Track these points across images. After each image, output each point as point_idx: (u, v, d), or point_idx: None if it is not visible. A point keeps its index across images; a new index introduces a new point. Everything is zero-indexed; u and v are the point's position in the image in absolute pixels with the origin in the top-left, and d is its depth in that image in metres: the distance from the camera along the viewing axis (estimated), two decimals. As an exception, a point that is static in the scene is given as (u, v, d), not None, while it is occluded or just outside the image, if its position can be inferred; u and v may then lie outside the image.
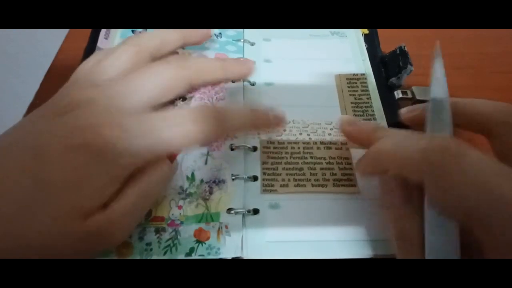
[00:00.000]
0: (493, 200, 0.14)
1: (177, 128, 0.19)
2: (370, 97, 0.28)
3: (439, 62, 0.22)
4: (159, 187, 0.20)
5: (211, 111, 0.20)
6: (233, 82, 0.29)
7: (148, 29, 0.32)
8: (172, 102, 0.27)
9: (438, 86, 0.21)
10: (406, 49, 0.29)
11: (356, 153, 0.25)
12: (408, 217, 0.18)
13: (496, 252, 0.15)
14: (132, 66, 0.21)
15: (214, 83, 0.26)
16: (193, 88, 0.23)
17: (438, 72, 0.21)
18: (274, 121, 0.23)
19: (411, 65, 0.28)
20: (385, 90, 0.29)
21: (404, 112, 0.23)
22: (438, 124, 0.19)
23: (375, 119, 0.27)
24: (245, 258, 0.21)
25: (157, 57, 0.23)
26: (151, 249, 0.21)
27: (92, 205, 0.17)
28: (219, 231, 0.21)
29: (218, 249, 0.21)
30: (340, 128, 0.23)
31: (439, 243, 0.16)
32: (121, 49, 0.21)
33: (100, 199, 0.17)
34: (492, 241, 0.15)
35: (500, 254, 0.14)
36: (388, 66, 0.30)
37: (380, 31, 0.33)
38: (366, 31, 0.33)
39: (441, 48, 0.23)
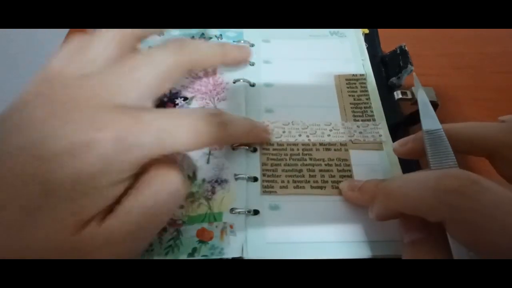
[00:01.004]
0: None
1: (185, 127, 0.18)
2: (369, 98, 0.28)
3: (421, 91, 0.22)
4: (167, 206, 0.18)
5: (217, 115, 0.19)
6: (234, 82, 0.29)
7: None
8: (173, 102, 0.27)
9: (427, 117, 0.20)
10: (406, 48, 0.29)
11: (355, 155, 0.25)
12: (429, 253, 0.17)
13: None
14: (118, 50, 0.19)
15: (212, 68, 0.26)
16: (191, 73, 0.23)
17: (423, 101, 0.21)
18: (265, 134, 0.24)
19: (412, 64, 0.28)
20: (385, 90, 0.29)
21: (397, 146, 0.22)
22: (439, 157, 0.19)
23: (374, 119, 0.27)
24: (245, 258, 0.21)
25: (145, 37, 0.21)
26: (152, 250, 0.21)
27: (94, 211, 0.16)
28: (222, 231, 0.21)
29: (222, 249, 0.21)
30: (344, 196, 0.23)
31: None
32: (103, 33, 0.19)
33: (104, 203, 0.16)
34: None
35: None
36: (388, 66, 0.30)
37: (380, 31, 0.33)
38: (366, 30, 0.33)
39: (418, 78, 0.23)
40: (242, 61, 0.25)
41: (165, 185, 0.17)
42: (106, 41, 0.19)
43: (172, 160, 0.19)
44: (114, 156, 0.16)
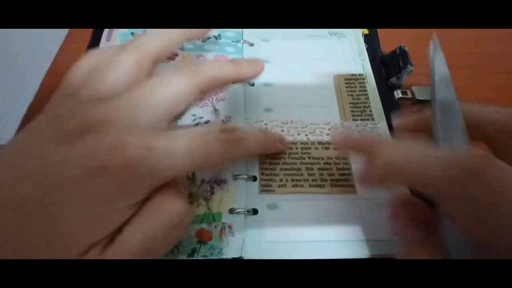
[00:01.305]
0: None
1: (195, 148, 0.18)
2: (368, 98, 0.28)
3: (440, 56, 0.20)
4: (168, 239, 0.18)
5: (229, 132, 0.20)
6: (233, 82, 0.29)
7: (147, 30, 0.32)
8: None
9: (443, 85, 0.18)
10: (406, 49, 0.29)
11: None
12: (429, 254, 0.17)
13: None
14: (136, 76, 0.20)
15: (225, 86, 0.26)
16: (205, 94, 0.23)
17: (441, 67, 0.19)
18: (280, 145, 0.24)
19: (411, 65, 0.28)
20: (385, 90, 0.29)
21: (397, 122, 0.22)
22: (451, 132, 0.17)
23: (373, 119, 0.27)
24: (244, 258, 0.21)
25: (160, 61, 0.22)
26: None
27: (99, 237, 0.16)
28: (221, 231, 0.21)
29: (221, 249, 0.21)
30: (337, 141, 0.23)
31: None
32: (121, 57, 0.20)
33: (110, 228, 0.16)
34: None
35: None
36: (388, 66, 0.30)
37: (380, 31, 0.33)
38: (366, 31, 0.33)
39: (439, 41, 0.21)
40: (255, 76, 0.25)
41: (167, 216, 0.17)
42: (125, 66, 0.20)
43: (179, 186, 0.19)
44: (127, 182, 0.16)
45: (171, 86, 0.19)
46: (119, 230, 0.16)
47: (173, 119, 0.25)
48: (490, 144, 0.19)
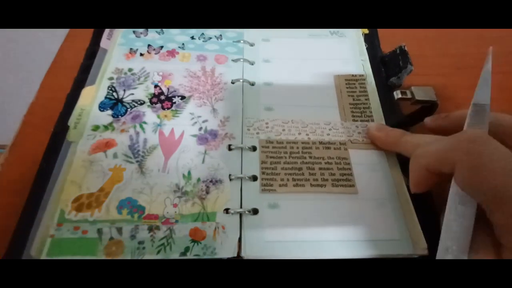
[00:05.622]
0: None
1: None
2: (368, 98, 0.28)
3: (488, 66, 0.23)
4: None
5: None
6: (232, 83, 0.29)
7: (148, 29, 0.32)
8: (171, 101, 0.27)
9: (481, 90, 0.22)
10: (406, 48, 0.29)
11: (355, 153, 0.25)
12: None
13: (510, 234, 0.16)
14: None
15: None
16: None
17: (485, 76, 0.22)
18: None
19: (411, 64, 0.28)
20: (385, 90, 0.29)
21: (428, 121, 0.24)
22: (476, 126, 0.20)
23: (373, 120, 0.27)
24: (244, 258, 0.21)
25: None
26: (143, 248, 0.20)
27: None
28: (215, 231, 0.21)
29: (214, 249, 0.21)
30: (367, 133, 0.26)
31: (456, 224, 0.18)
32: None
33: None
34: (508, 223, 0.16)
35: None
36: (388, 66, 0.30)
37: (380, 31, 0.33)
38: (366, 31, 0.33)
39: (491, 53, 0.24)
40: None
41: None
42: None
43: None
44: None
45: None
46: None
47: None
48: (505, 144, 0.20)
